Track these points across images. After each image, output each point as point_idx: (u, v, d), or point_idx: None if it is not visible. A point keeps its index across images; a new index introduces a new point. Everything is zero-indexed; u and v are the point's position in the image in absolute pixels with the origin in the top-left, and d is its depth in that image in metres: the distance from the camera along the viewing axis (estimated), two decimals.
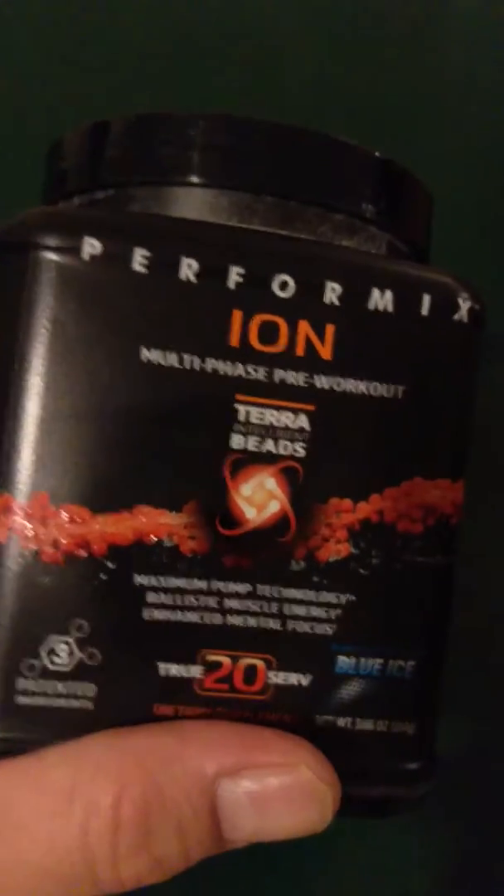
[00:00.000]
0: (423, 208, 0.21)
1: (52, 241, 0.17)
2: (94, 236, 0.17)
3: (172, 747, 0.16)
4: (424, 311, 0.18)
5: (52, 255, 0.17)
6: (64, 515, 0.17)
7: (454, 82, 0.31)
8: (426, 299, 0.18)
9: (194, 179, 0.18)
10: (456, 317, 0.18)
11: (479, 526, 0.26)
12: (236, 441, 0.17)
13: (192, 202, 0.18)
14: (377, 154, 0.19)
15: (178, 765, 0.16)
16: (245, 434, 0.17)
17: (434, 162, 0.22)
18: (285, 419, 0.18)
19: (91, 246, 0.17)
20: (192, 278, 0.17)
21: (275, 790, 0.17)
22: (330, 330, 0.18)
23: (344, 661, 0.18)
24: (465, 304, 0.19)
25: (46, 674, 0.17)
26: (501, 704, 0.29)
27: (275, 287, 0.18)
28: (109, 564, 0.17)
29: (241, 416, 0.17)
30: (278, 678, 0.18)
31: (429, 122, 0.30)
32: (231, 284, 0.17)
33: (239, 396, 0.17)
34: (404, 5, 0.31)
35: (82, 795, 0.16)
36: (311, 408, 0.18)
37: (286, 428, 0.18)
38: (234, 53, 0.30)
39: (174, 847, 0.16)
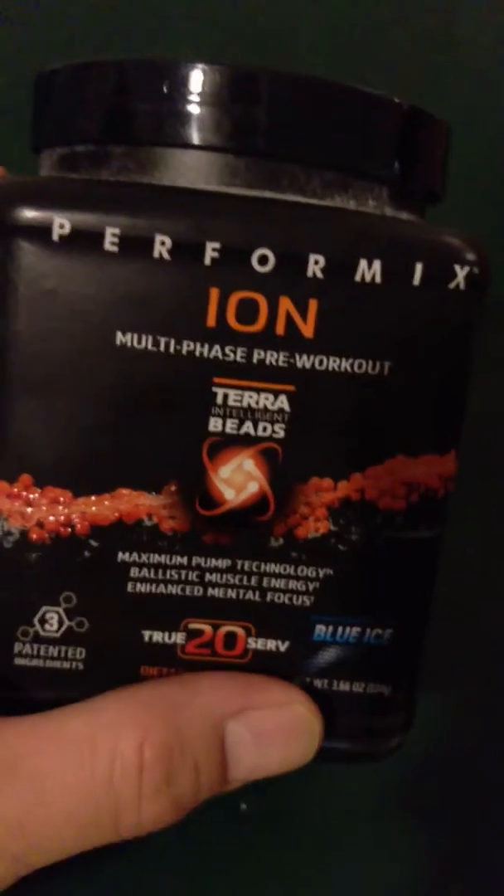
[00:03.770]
0: (432, 145, 0.19)
1: (20, 220, 0.16)
2: (63, 215, 0.16)
3: (183, 695, 0.18)
4: (416, 280, 0.17)
5: (22, 238, 0.16)
6: (48, 497, 0.17)
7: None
8: (418, 268, 0.17)
9: (173, 139, 0.17)
10: (451, 285, 0.17)
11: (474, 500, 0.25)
12: (214, 424, 0.17)
13: (171, 163, 0.17)
14: (371, 92, 0.17)
15: (191, 709, 0.18)
16: (223, 417, 0.17)
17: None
18: (264, 401, 0.17)
19: (60, 226, 0.16)
20: (166, 256, 0.17)
21: (275, 726, 0.18)
22: (313, 306, 0.17)
23: (321, 629, 0.19)
24: (462, 271, 0.17)
25: (39, 639, 0.18)
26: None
27: (254, 262, 0.17)
28: (93, 543, 0.18)
29: (219, 400, 0.17)
30: (257, 644, 0.19)
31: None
32: (207, 261, 0.17)
33: (216, 379, 0.17)
34: None
35: (105, 743, 0.17)
36: (290, 388, 0.17)
37: (265, 410, 0.17)
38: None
39: (189, 786, 0.18)
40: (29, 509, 0.17)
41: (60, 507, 0.17)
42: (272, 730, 0.18)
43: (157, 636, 0.18)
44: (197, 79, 0.17)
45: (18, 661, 0.18)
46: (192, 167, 0.17)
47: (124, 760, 0.17)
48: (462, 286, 0.17)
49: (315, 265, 0.17)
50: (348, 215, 0.17)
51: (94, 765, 0.17)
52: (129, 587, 0.18)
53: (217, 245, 0.17)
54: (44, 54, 0.24)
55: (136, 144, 0.17)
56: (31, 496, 0.17)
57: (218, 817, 0.28)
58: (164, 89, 0.17)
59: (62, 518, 0.17)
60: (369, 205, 0.18)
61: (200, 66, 0.17)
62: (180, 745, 0.17)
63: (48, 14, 0.25)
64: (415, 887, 0.29)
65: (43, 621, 0.18)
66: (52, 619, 0.18)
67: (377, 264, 0.17)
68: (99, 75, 0.17)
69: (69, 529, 0.18)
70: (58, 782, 0.17)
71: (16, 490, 0.17)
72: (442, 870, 0.29)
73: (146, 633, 0.18)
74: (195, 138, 0.17)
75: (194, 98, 0.17)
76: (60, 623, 0.18)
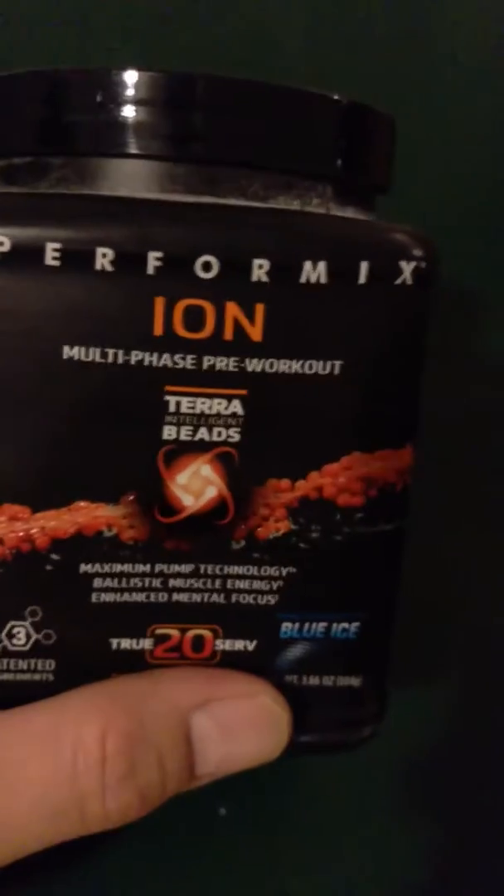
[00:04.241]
0: (376, 140, 0.19)
1: None
2: (2, 231, 0.16)
3: (147, 686, 0.18)
4: (362, 279, 0.17)
5: None
6: (6, 514, 0.17)
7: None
8: (363, 267, 0.17)
9: (110, 149, 0.17)
10: (398, 281, 0.17)
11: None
12: (168, 432, 0.17)
13: (110, 173, 0.17)
14: (309, 91, 0.17)
15: (155, 700, 0.18)
16: (177, 424, 0.17)
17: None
18: (217, 406, 0.17)
19: (0, 244, 0.16)
20: (109, 267, 0.16)
21: (240, 718, 0.18)
22: (259, 310, 0.17)
23: (288, 627, 0.19)
24: (408, 266, 0.17)
25: (8, 653, 0.18)
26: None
27: (197, 269, 0.17)
28: (54, 556, 0.18)
29: (172, 408, 0.17)
30: (225, 645, 0.19)
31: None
32: (150, 270, 0.17)
33: (168, 387, 0.17)
34: None
35: (68, 734, 0.17)
36: (243, 392, 0.17)
37: (219, 415, 0.17)
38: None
39: (155, 778, 0.18)
40: None
41: (19, 524, 0.17)
42: (238, 721, 0.18)
43: (125, 643, 0.18)
44: (130, 86, 0.17)
45: None
46: (131, 176, 0.17)
47: (86, 750, 0.17)
48: (409, 281, 0.17)
49: (259, 269, 0.17)
50: (291, 217, 0.17)
51: (57, 755, 0.17)
52: (94, 597, 0.18)
53: (159, 254, 0.16)
54: None
55: (73, 155, 0.17)
56: None
57: (199, 822, 0.28)
58: (99, 98, 0.17)
59: (21, 534, 0.18)
60: (313, 203, 0.18)
61: (133, 73, 0.17)
62: (143, 736, 0.17)
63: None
64: (414, 887, 0.29)
65: (10, 636, 0.18)
66: (20, 634, 0.18)
67: (322, 265, 0.17)
68: (33, 85, 0.17)
69: (29, 545, 0.18)
70: (22, 773, 0.17)
71: None
72: (442, 870, 0.29)
73: (114, 641, 0.18)
74: (132, 147, 0.17)
75: (129, 106, 0.17)
76: (28, 637, 0.18)
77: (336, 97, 0.18)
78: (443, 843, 0.29)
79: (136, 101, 0.17)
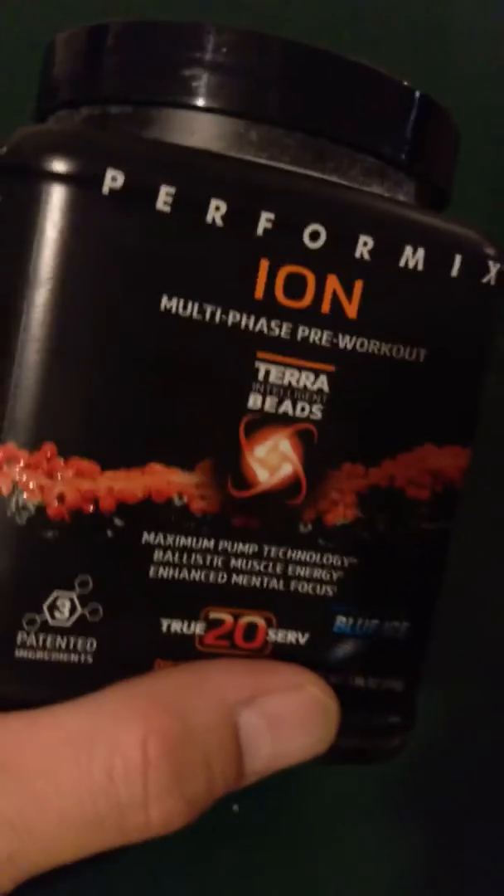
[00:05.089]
0: (451, 149, 0.19)
1: (66, 168, 0.15)
2: (116, 167, 0.15)
3: (190, 682, 0.16)
4: (454, 272, 0.17)
5: (66, 187, 0.15)
6: (72, 469, 0.16)
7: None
8: (457, 259, 0.17)
9: (224, 106, 0.17)
10: (485, 279, 0.18)
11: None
12: (253, 400, 0.17)
13: (219, 132, 0.17)
14: (415, 90, 0.18)
15: (200, 698, 0.16)
16: (263, 394, 0.17)
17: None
18: (305, 380, 0.17)
19: (113, 179, 0.15)
20: (220, 222, 0.16)
21: (289, 711, 0.17)
22: (358, 286, 0.17)
23: (342, 621, 0.18)
24: (494, 267, 0.18)
25: (47, 628, 0.16)
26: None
27: (305, 237, 0.16)
28: (117, 522, 0.16)
29: (261, 376, 0.17)
30: (277, 636, 0.18)
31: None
32: (260, 231, 0.16)
33: (260, 354, 0.17)
34: None
35: (105, 738, 0.15)
36: (331, 369, 0.17)
37: (305, 389, 0.17)
38: None
39: (202, 783, 0.16)
40: (49, 481, 0.16)
41: (86, 482, 0.16)
42: (287, 715, 0.17)
43: (176, 626, 0.17)
44: (261, 51, 0.17)
45: (20, 654, 0.16)
46: (237, 136, 0.17)
47: (126, 756, 0.15)
48: (493, 282, 0.18)
49: (364, 246, 0.17)
50: (396, 203, 0.18)
51: (90, 762, 0.15)
52: (151, 571, 0.17)
53: (271, 216, 0.16)
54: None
55: (187, 108, 0.17)
56: (54, 467, 0.16)
57: (212, 818, 0.27)
58: (223, 57, 0.17)
59: (87, 493, 0.16)
60: (400, 198, 0.18)
61: (269, 39, 0.16)
62: (188, 737, 0.16)
63: None
64: (414, 887, 0.28)
65: (53, 608, 0.16)
66: (64, 606, 0.16)
67: (421, 252, 0.17)
68: (165, 35, 0.17)
69: (92, 506, 0.16)
70: (51, 781, 0.15)
71: (35, 459, 0.16)
72: (442, 870, 0.29)
73: (164, 623, 0.17)
74: (243, 107, 0.17)
75: (260, 73, 0.17)
76: (72, 610, 0.16)
77: (433, 99, 0.18)
78: (443, 843, 0.29)
79: (264, 68, 0.17)
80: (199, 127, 0.17)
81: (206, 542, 0.17)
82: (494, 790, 0.30)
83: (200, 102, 0.17)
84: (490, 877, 0.29)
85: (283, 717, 0.17)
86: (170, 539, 0.17)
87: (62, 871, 0.25)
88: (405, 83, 0.18)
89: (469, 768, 0.30)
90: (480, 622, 0.29)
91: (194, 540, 0.17)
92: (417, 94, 0.18)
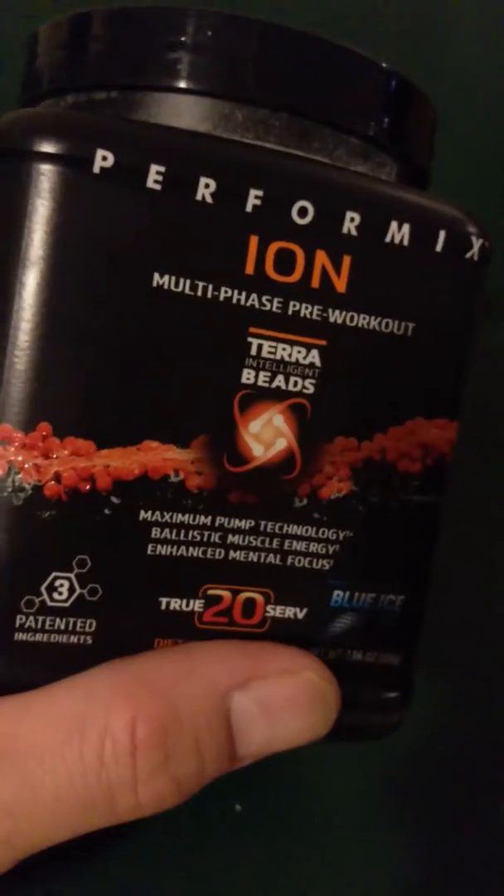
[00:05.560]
0: (430, 130, 0.20)
1: (57, 149, 0.15)
2: (106, 147, 0.16)
3: (182, 665, 0.17)
4: (439, 247, 0.18)
5: (57, 168, 0.15)
6: (68, 448, 0.16)
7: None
8: (441, 235, 0.18)
9: (209, 88, 0.17)
10: (468, 254, 0.18)
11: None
12: (246, 375, 0.17)
13: (205, 114, 0.17)
14: (395, 72, 0.18)
15: (191, 681, 0.16)
16: (256, 369, 0.17)
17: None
18: (297, 354, 0.17)
19: (103, 158, 0.16)
20: (209, 199, 0.16)
21: (284, 696, 0.17)
22: (346, 261, 0.17)
23: (338, 595, 0.18)
24: (476, 242, 0.18)
25: (45, 610, 0.16)
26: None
27: (294, 213, 0.17)
28: (114, 500, 0.16)
29: (253, 350, 0.17)
30: (276, 611, 0.18)
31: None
32: (249, 208, 0.16)
33: (252, 329, 0.17)
34: None
35: (95, 721, 0.16)
36: (322, 343, 0.17)
37: (297, 363, 0.17)
38: None
39: (192, 766, 0.16)
40: (45, 461, 0.16)
41: (82, 460, 0.16)
42: (282, 700, 0.17)
43: (175, 603, 0.17)
44: (247, 35, 0.17)
45: (19, 637, 0.16)
46: (224, 117, 0.17)
47: (115, 739, 0.16)
48: (476, 257, 0.18)
49: (351, 222, 0.17)
50: (380, 181, 0.18)
51: (82, 744, 0.16)
52: (149, 549, 0.17)
53: (260, 192, 0.16)
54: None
55: (172, 91, 0.17)
56: (49, 447, 0.16)
57: (214, 818, 0.26)
58: (206, 40, 0.17)
59: (83, 472, 0.16)
60: (383, 177, 0.19)
61: (257, 23, 0.17)
62: (177, 721, 0.16)
63: None
64: (414, 887, 0.28)
65: (51, 589, 0.16)
66: (62, 587, 0.16)
67: (406, 227, 0.17)
68: (149, 20, 0.17)
69: (89, 484, 0.16)
70: (45, 763, 0.16)
71: (31, 440, 0.16)
72: (441, 870, 0.29)
73: (163, 601, 0.17)
74: (230, 89, 0.17)
75: (243, 55, 0.17)
76: (71, 590, 0.16)
77: (410, 81, 0.19)
78: (444, 843, 0.29)
79: (247, 50, 0.17)
80: (185, 109, 0.17)
81: (202, 519, 0.17)
82: (494, 790, 0.30)
83: (185, 85, 0.17)
84: (491, 877, 0.29)
85: (278, 701, 0.17)
86: (167, 516, 0.17)
87: (63, 869, 0.25)
88: (384, 65, 0.18)
89: (469, 768, 0.30)
90: (479, 618, 0.29)
91: (191, 516, 0.17)
92: (397, 75, 0.18)
